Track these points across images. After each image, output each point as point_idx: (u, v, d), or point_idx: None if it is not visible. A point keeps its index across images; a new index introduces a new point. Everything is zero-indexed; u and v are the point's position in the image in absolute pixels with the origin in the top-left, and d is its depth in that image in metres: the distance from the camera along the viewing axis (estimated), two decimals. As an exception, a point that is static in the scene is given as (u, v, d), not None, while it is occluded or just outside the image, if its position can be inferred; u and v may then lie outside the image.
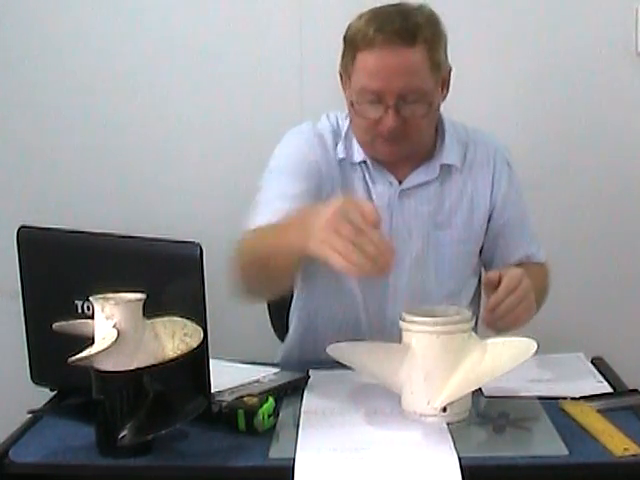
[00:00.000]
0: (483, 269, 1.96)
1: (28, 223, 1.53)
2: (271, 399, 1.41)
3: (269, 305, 2.18)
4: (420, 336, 1.43)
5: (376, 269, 1.35)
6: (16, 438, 1.39)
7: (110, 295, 1.31)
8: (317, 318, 1.91)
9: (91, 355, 1.27)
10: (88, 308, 1.43)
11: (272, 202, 1.76)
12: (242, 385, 1.53)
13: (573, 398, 1.50)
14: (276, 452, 1.32)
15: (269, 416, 1.39)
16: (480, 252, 1.94)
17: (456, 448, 1.31)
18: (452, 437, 1.35)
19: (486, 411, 1.47)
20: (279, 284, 1.73)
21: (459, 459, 1.27)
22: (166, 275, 1.39)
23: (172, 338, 1.32)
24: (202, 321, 1.35)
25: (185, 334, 1.33)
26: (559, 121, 2.53)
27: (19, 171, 2.58)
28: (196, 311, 1.36)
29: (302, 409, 1.49)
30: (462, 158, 1.88)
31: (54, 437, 1.39)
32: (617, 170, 2.55)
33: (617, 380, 1.64)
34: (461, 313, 1.48)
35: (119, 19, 2.52)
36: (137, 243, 1.44)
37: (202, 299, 1.36)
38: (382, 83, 1.71)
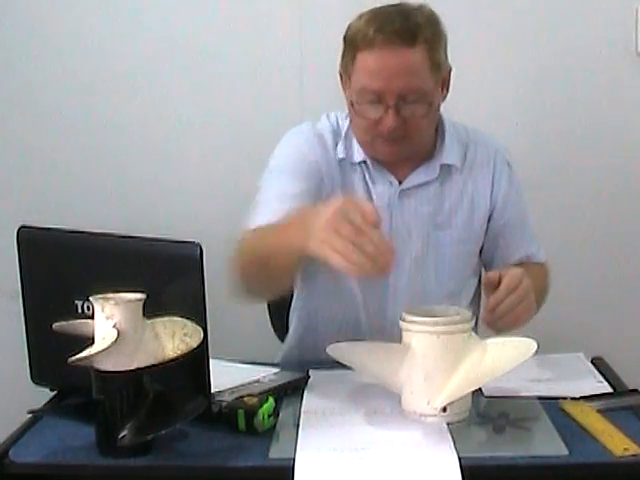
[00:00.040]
0: (483, 269, 1.96)
1: (28, 223, 1.53)
2: (271, 399, 1.41)
3: (269, 305, 2.18)
4: (420, 336, 1.43)
5: (376, 269, 1.35)
6: (16, 438, 1.39)
7: (110, 295, 1.31)
8: (317, 318, 1.91)
9: (91, 355, 1.27)
10: (88, 308, 1.43)
11: (271, 202, 1.76)
12: (242, 385, 1.53)
13: (573, 398, 1.50)
14: (276, 452, 1.32)
15: (269, 416, 1.39)
16: (480, 252, 1.94)
17: (456, 448, 1.31)
18: (452, 437, 1.35)
19: (486, 411, 1.47)
20: (279, 284, 1.73)
21: (459, 459, 1.27)
22: (166, 275, 1.39)
23: (172, 338, 1.32)
24: (202, 321, 1.35)
25: (185, 334, 1.33)
26: (559, 121, 2.53)
27: (19, 171, 2.58)
28: (196, 311, 1.36)
29: (302, 409, 1.49)
30: (462, 158, 1.88)
31: (54, 437, 1.39)
32: (617, 170, 2.55)
33: (617, 380, 1.64)
34: (461, 313, 1.48)
35: (119, 19, 2.52)
36: (137, 243, 1.44)
37: (202, 299, 1.36)
38: (382, 83, 1.71)
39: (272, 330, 2.18)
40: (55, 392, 1.57)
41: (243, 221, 1.77)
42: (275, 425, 1.41)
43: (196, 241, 1.36)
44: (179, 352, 1.31)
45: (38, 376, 1.54)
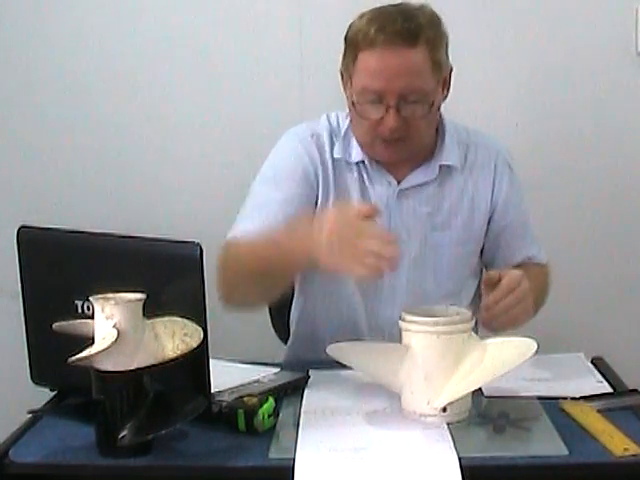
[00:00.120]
0: (484, 270, 1.95)
1: (28, 223, 1.53)
2: (271, 399, 1.41)
3: (269, 306, 2.18)
4: (420, 336, 1.43)
5: (385, 264, 1.41)
6: (16, 438, 1.39)
7: (110, 295, 1.31)
8: (316, 319, 1.91)
9: (91, 355, 1.27)
10: (88, 308, 1.43)
11: (255, 210, 1.79)
12: (242, 385, 1.53)
13: (573, 398, 1.50)
14: (276, 452, 1.32)
15: (269, 416, 1.39)
16: (481, 253, 1.94)
17: (456, 448, 1.31)
18: (452, 437, 1.35)
19: (486, 411, 1.47)
20: (272, 294, 1.78)
21: (459, 459, 1.27)
22: (166, 275, 1.39)
23: (172, 338, 1.32)
24: (202, 321, 1.35)
25: (185, 334, 1.33)
26: (559, 121, 2.53)
27: (19, 171, 2.58)
28: (196, 311, 1.36)
29: (302, 409, 1.49)
30: (462, 159, 1.88)
31: (54, 437, 1.39)
32: (617, 170, 2.55)
33: (617, 380, 1.64)
34: (461, 313, 1.48)
35: (119, 19, 2.52)
36: (137, 243, 1.45)
37: (202, 299, 1.36)
38: (383, 83, 1.71)
39: (272, 330, 2.18)
40: (55, 392, 1.57)
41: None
42: (275, 425, 1.41)
43: (196, 241, 1.36)
44: (179, 352, 1.31)
45: (38, 376, 1.54)
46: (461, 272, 1.91)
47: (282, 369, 1.66)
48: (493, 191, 1.89)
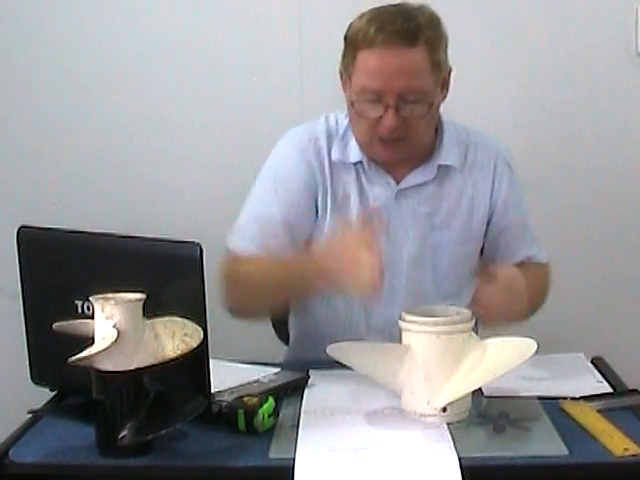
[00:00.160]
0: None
1: (28, 223, 1.53)
2: (271, 399, 1.41)
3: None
4: (420, 336, 1.43)
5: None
6: (16, 438, 1.39)
7: (110, 295, 1.31)
8: (316, 319, 1.91)
9: (91, 355, 1.27)
10: (88, 308, 1.43)
11: (256, 224, 1.82)
12: (242, 385, 1.54)
13: (573, 398, 1.50)
14: (276, 452, 1.32)
15: (269, 416, 1.39)
16: (481, 253, 1.94)
17: (456, 448, 1.31)
18: (452, 437, 1.36)
19: (486, 411, 1.47)
20: (281, 309, 1.92)
21: (459, 459, 1.27)
22: (166, 275, 1.39)
23: (172, 338, 1.32)
24: (202, 321, 1.35)
25: (185, 334, 1.33)
26: (559, 121, 2.53)
27: (19, 171, 2.58)
28: (196, 311, 1.36)
29: (302, 409, 1.49)
30: (461, 159, 1.88)
31: (54, 437, 1.39)
32: (617, 170, 2.55)
33: (617, 380, 1.64)
34: (461, 313, 1.49)
35: (119, 19, 2.52)
36: (137, 243, 1.45)
37: (202, 299, 1.36)
38: (382, 83, 1.71)
39: (272, 330, 2.18)
40: (55, 392, 1.57)
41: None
42: (275, 425, 1.41)
43: (196, 241, 1.36)
44: (179, 352, 1.31)
45: (38, 376, 1.54)
46: (461, 272, 1.90)
47: (282, 369, 1.66)
48: (492, 191, 1.89)
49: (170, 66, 2.52)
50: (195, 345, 1.32)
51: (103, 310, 1.29)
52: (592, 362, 1.75)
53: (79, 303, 1.45)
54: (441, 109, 1.85)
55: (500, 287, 1.61)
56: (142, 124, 2.55)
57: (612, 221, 2.56)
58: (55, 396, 1.56)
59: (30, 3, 2.53)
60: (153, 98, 2.54)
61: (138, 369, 1.30)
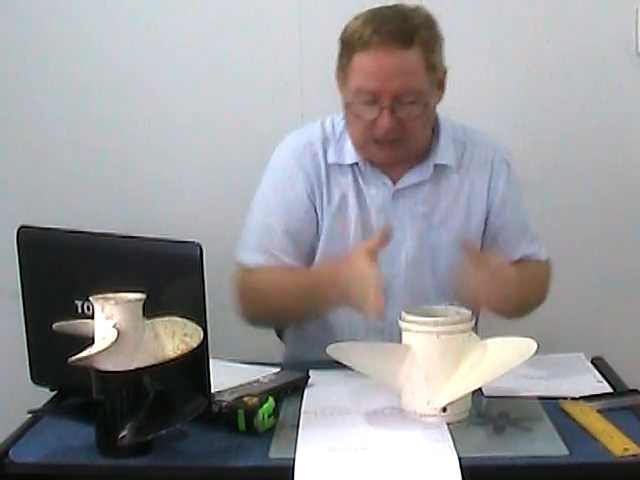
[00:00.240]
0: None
1: (28, 223, 1.53)
2: (271, 399, 1.41)
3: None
4: (420, 336, 1.43)
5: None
6: (16, 438, 1.39)
7: (110, 295, 1.31)
8: (315, 319, 1.91)
9: (91, 355, 1.27)
10: (88, 308, 1.43)
11: (261, 236, 1.86)
12: (242, 385, 1.54)
13: (573, 398, 1.50)
14: (276, 452, 1.32)
15: (269, 416, 1.39)
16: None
17: (456, 448, 1.31)
18: (452, 437, 1.36)
19: (486, 411, 1.47)
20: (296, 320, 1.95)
21: (459, 459, 1.27)
22: (166, 275, 1.39)
23: (172, 338, 1.32)
24: (202, 321, 1.35)
25: (185, 334, 1.33)
26: (559, 121, 2.53)
27: (19, 171, 2.58)
28: (196, 311, 1.36)
29: (302, 409, 1.49)
30: (458, 158, 1.88)
31: (54, 437, 1.39)
32: (617, 170, 2.55)
33: (617, 380, 1.64)
34: (461, 313, 1.48)
35: (119, 19, 2.52)
36: (137, 243, 1.45)
37: (202, 299, 1.36)
38: (378, 84, 1.72)
39: (272, 330, 2.18)
40: (55, 392, 1.57)
41: (242, 223, 1.82)
42: (275, 425, 1.41)
43: (196, 241, 1.36)
44: (179, 352, 1.31)
45: (38, 376, 1.54)
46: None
47: (282, 369, 1.66)
48: (489, 189, 1.89)
49: (170, 66, 2.52)
50: (195, 345, 1.32)
51: (103, 310, 1.29)
52: (592, 362, 1.75)
53: (79, 303, 1.45)
54: (441, 109, 1.85)
55: (487, 272, 1.62)
56: (142, 124, 2.55)
57: (612, 221, 2.56)
58: (55, 396, 1.56)
59: (30, 3, 2.53)
60: (153, 98, 2.54)
61: (138, 369, 1.30)
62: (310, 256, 1.88)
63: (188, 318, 1.34)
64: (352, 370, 1.52)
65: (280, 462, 1.29)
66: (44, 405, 1.53)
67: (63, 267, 1.48)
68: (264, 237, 1.86)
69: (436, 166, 1.86)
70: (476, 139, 1.91)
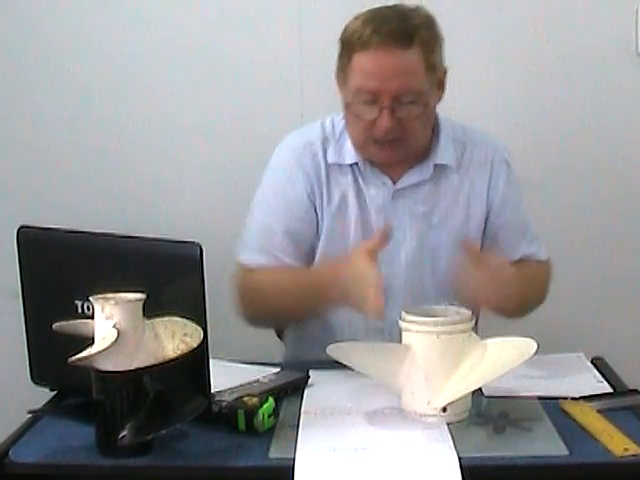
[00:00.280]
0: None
1: (28, 223, 1.53)
2: (271, 399, 1.41)
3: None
4: (420, 336, 1.43)
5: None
6: (16, 438, 1.39)
7: (110, 295, 1.31)
8: (315, 319, 1.91)
9: (91, 355, 1.27)
10: (88, 308, 1.43)
11: (261, 237, 1.86)
12: (242, 385, 1.54)
13: (573, 398, 1.50)
14: (276, 452, 1.32)
15: (269, 416, 1.39)
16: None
17: (456, 448, 1.31)
18: (452, 437, 1.36)
19: (486, 411, 1.47)
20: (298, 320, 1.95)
21: (459, 459, 1.27)
22: (166, 275, 1.39)
23: (172, 338, 1.32)
24: (202, 321, 1.35)
25: (185, 334, 1.33)
26: (559, 121, 2.53)
27: (18, 171, 2.58)
28: (196, 311, 1.36)
29: (302, 409, 1.49)
30: (458, 158, 1.88)
31: (54, 437, 1.39)
32: (617, 170, 2.55)
33: (617, 380, 1.64)
34: (461, 313, 1.48)
35: (119, 19, 2.52)
36: (137, 243, 1.45)
37: (202, 299, 1.36)
38: (378, 84, 1.72)
39: (272, 330, 2.18)
40: (55, 392, 1.57)
41: (242, 223, 1.81)
42: (275, 425, 1.41)
43: (196, 241, 1.36)
44: (179, 352, 1.31)
45: (38, 376, 1.54)
46: (460, 271, 1.91)
47: (282, 369, 1.66)
48: (489, 189, 1.89)
49: (170, 66, 2.52)
50: (195, 345, 1.32)
51: (103, 310, 1.29)
52: (592, 362, 1.75)
53: (79, 303, 1.45)
54: (441, 109, 1.85)
55: (487, 272, 1.62)
56: (142, 124, 2.55)
57: (612, 221, 2.56)
58: (55, 396, 1.56)
59: (30, 3, 2.53)
60: (153, 98, 2.54)
61: (138, 369, 1.30)
62: (310, 256, 1.88)
63: (188, 318, 1.34)
64: (352, 370, 1.52)
65: (280, 462, 1.29)
66: (44, 405, 1.53)
67: (63, 267, 1.48)
68: (264, 237, 1.86)
69: (436, 166, 1.86)
70: (476, 139, 1.91)
